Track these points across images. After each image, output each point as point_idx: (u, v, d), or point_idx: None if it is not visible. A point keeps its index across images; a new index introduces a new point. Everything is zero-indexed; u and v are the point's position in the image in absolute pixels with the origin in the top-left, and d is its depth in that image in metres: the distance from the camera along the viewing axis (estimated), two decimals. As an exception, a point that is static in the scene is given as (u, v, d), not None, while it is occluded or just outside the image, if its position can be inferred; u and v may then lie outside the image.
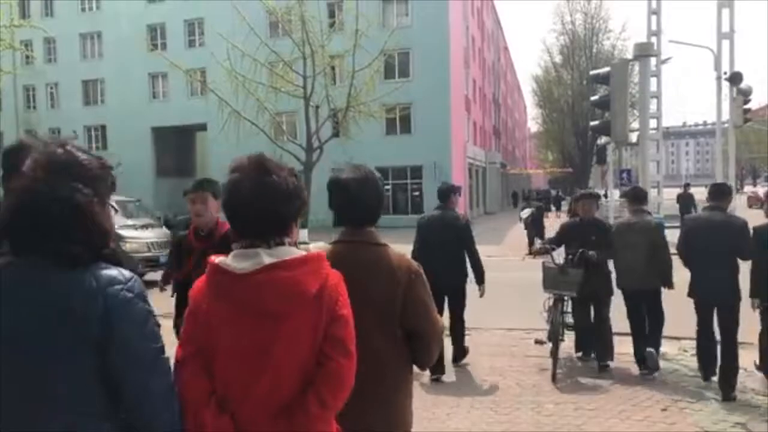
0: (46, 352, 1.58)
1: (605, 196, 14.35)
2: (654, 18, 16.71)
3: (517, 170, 71.09)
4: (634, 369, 6.42)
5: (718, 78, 21.02)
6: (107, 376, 1.63)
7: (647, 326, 6.48)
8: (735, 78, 20.28)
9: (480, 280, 6.74)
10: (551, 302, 6.73)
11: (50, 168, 1.66)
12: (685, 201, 22.89)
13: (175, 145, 40.06)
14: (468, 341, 7.17)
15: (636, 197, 6.89)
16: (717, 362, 5.83)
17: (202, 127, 35.57)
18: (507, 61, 74.77)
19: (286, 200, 1.90)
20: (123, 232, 13.52)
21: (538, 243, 7.49)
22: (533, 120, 78.11)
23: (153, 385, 1.67)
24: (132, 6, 37.40)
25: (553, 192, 50.20)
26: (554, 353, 6.38)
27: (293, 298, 1.80)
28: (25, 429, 1.59)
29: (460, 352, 6.88)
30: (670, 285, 6.30)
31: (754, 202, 42.02)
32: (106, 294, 1.61)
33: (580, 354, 7.03)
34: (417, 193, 33.76)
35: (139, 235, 14.19)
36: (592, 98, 9.53)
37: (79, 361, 1.60)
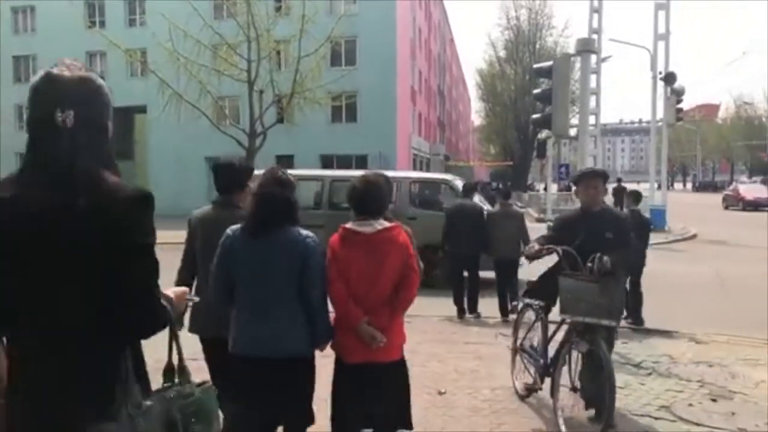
0: (279, 272, 3.21)
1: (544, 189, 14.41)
2: (595, 16, 17.17)
3: (460, 162, 71.87)
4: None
5: (654, 77, 21.80)
6: (300, 285, 3.22)
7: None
8: (669, 78, 21.07)
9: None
10: (571, 334, 4.72)
11: (278, 182, 3.29)
12: (619, 195, 23.71)
13: (114, 127, 38.56)
14: (408, 328, 7.30)
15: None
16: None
17: (142, 109, 34.28)
18: (453, 54, 75.40)
19: (385, 194, 3.59)
20: None
21: (535, 244, 5.16)
22: (477, 113, 79.10)
23: (319, 288, 3.31)
24: (69, -20, 35.72)
25: (494, 185, 50.82)
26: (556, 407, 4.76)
27: (393, 245, 3.46)
28: (265, 311, 3.22)
29: (473, 304, 8.88)
30: None
31: (733, 202, 37.43)
32: (305, 242, 3.22)
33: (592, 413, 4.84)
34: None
35: None
36: (535, 91, 9.75)
37: (294, 276, 3.20)
